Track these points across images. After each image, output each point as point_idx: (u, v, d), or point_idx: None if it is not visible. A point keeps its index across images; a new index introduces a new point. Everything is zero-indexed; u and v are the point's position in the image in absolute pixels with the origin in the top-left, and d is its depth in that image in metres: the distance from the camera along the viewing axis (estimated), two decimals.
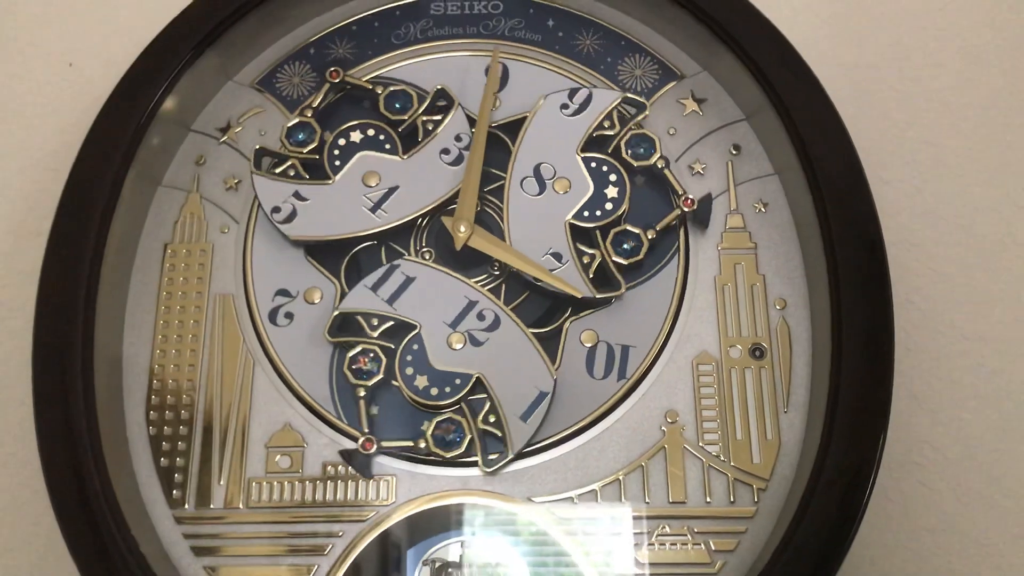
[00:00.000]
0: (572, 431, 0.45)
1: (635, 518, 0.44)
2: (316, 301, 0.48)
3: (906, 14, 0.59)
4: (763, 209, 0.50)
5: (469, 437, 0.45)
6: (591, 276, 0.48)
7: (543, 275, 0.47)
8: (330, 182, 0.50)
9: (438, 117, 0.51)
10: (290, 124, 0.51)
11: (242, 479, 0.45)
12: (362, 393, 0.46)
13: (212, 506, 0.45)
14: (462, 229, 0.48)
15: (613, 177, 0.49)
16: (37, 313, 0.46)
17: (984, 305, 0.53)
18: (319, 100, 0.52)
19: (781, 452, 0.45)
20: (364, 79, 0.53)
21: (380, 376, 0.46)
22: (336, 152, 0.50)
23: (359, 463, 0.45)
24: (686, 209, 0.48)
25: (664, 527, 0.44)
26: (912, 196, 0.55)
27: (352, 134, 0.51)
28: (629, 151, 0.50)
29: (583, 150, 0.50)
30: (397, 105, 0.51)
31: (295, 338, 0.48)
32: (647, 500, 0.44)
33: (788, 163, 0.49)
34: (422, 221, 0.50)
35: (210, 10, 0.52)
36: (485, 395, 0.46)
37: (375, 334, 0.47)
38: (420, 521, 0.44)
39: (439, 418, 0.46)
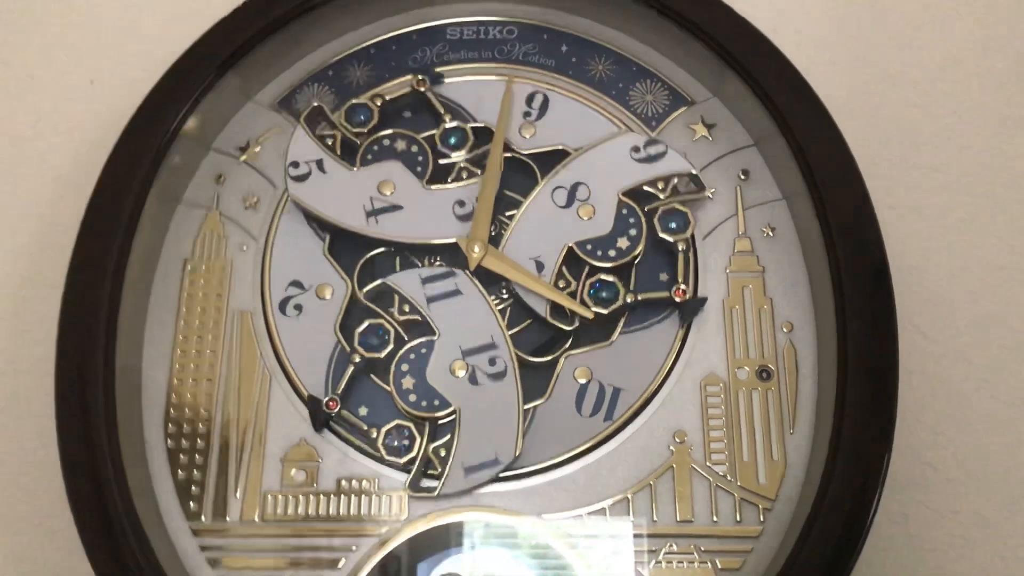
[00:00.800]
0: (581, 450, 0.46)
1: (643, 536, 0.45)
2: (327, 297, 0.49)
3: (912, 41, 0.60)
4: (771, 233, 0.51)
5: (414, 454, 0.46)
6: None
7: (554, 295, 0.48)
8: (352, 169, 0.51)
9: (477, 171, 0.52)
10: (355, 102, 0.53)
11: (258, 492, 0.46)
12: (357, 359, 0.47)
13: (228, 519, 0.46)
14: (476, 249, 0.49)
15: (633, 232, 0.50)
16: (60, 328, 0.47)
17: (987, 329, 0.54)
18: (394, 95, 0.53)
19: (787, 473, 0.46)
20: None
21: (380, 356, 0.47)
22: (375, 148, 0.52)
23: (317, 416, 0.47)
24: (676, 299, 0.48)
25: (671, 545, 0.45)
26: (917, 222, 0.56)
27: (398, 142, 0.52)
28: (661, 220, 0.50)
29: (625, 194, 0.50)
30: (452, 141, 0.52)
31: (301, 331, 0.49)
32: (655, 518, 0.45)
33: (796, 189, 0.50)
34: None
35: (231, 32, 0.53)
36: (451, 430, 0.46)
37: (400, 317, 0.48)
38: (431, 537, 0.45)
39: (400, 423, 0.47)
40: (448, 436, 0.47)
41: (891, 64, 0.60)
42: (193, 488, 0.46)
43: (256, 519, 0.46)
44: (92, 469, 0.44)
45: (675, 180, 0.51)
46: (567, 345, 0.48)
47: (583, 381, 0.48)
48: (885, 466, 0.44)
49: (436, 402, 0.47)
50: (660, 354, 0.48)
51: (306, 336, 0.49)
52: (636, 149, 0.51)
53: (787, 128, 0.50)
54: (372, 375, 0.48)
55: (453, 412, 0.47)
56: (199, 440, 0.47)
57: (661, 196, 0.51)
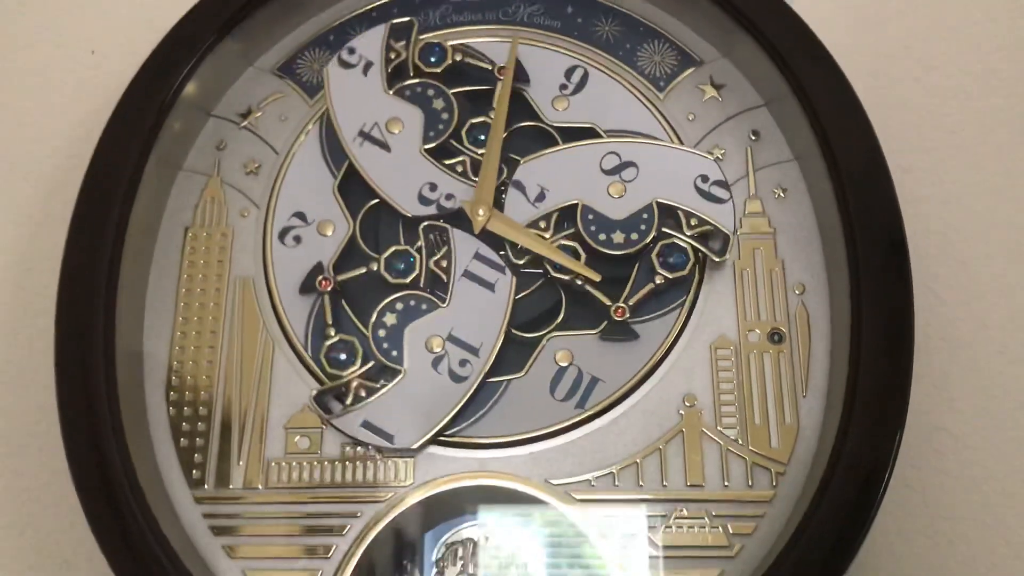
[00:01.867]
0: (590, 414, 0.46)
1: (652, 501, 0.44)
2: (328, 234, 0.49)
3: (923, 3, 0.59)
4: (782, 195, 0.50)
5: (350, 379, 0.46)
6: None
7: (559, 257, 0.47)
8: (387, 93, 0.50)
9: (474, 178, 0.50)
10: (437, 42, 0.52)
11: (261, 460, 0.46)
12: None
13: (231, 486, 0.45)
14: (480, 212, 0.48)
15: (634, 236, 0.48)
16: (59, 297, 0.46)
17: (1004, 293, 0.52)
18: (472, 61, 0.52)
19: (799, 437, 0.45)
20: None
21: (406, 281, 0.48)
22: (417, 88, 0.51)
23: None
24: (616, 317, 0.47)
25: (682, 510, 0.44)
26: (932, 184, 0.55)
27: (438, 99, 0.50)
28: (661, 254, 0.48)
29: (659, 202, 0.48)
30: (479, 136, 0.51)
31: (295, 261, 0.49)
32: (665, 483, 0.44)
33: (808, 149, 0.49)
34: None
35: None
36: (385, 381, 0.46)
37: (429, 263, 0.48)
38: (437, 502, 0.45)
39: (344, 337, 0.47)
40: (379, 385, 0.46)
41: (906, 23, 0.58)
42: (196, 456, 0.46)
43: (260, 487, 0.45)
44: (93, 437, 0.44)
45: (709, 227, 0.48)
46: (553, 325, 0.48)
47: (564, 364, 0.47)
48: (900, 430, 0.43)
49: (395, 353, 0.46)
50: (648, 350, 0.47)
51: (299, 271, 0.48)
52: (704, 179, 0.49)
53: (799, 88, 0.49)
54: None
55: (399, 372, 0.46)
56: (201, 407, 0.47)
57: (685, 231, 0.48)
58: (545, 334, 0.47)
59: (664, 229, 0.48)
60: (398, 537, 0.44)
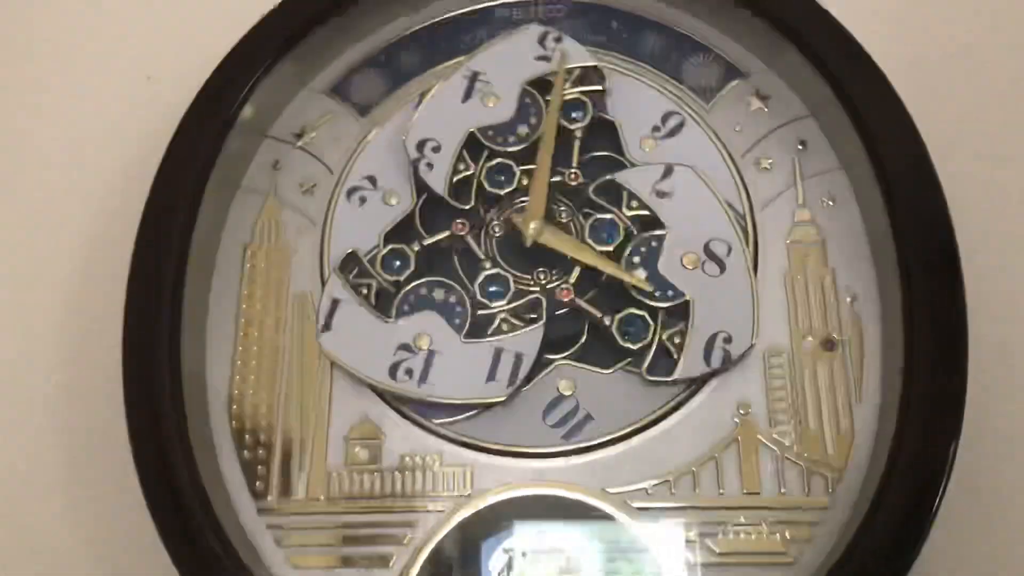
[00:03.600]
0: (645, 423, 0.46)
1: (709, 508, 0.44)
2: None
3: (972, 6, 0.59)
4: (831, 203, 0.50)
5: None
6: None
7: (609, 267, 0.48)
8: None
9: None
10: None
11: (323, 471, 0.47)
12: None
13: (294, 497, 0.46)
14: (532, 226, 0.49)
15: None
16: (126, 316, 0.48)
17: None
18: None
19: (855, 443, 0.45)
20: None
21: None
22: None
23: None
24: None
25: (739, 517, 0.44)
26: (981, 189, 0.54)
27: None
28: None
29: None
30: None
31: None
32: (721, 491, 0.45)
33: (855, 158, 0.49)
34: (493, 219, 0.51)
35: (286, 20, 0.54)
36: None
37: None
38: (494, 512, 0.45)
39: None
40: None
41: (952, 29, 0.58)
42: (259, 467, 0.47)
43: (321, 497, 0.46)
44: (161, 453, 0.45)
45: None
46: (573, 349, 0.48)
47: (566, 393, 0.47)
48: (956, 438, 0.43)
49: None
50: (650, 404, 0.47)
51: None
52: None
53: (845, 97, 0.49)
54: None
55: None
56: (263, 420, 0.48)
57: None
58: (561, 357, 0.48)
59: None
60: (457, 546, 0.45)
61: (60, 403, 0.54)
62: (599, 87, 0.52)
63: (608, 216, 0.50)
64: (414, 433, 0.47)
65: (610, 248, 0.49)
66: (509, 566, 0.44)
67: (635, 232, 0.50)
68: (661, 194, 0.50)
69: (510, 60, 0.53)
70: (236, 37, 0.54)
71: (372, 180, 0.52)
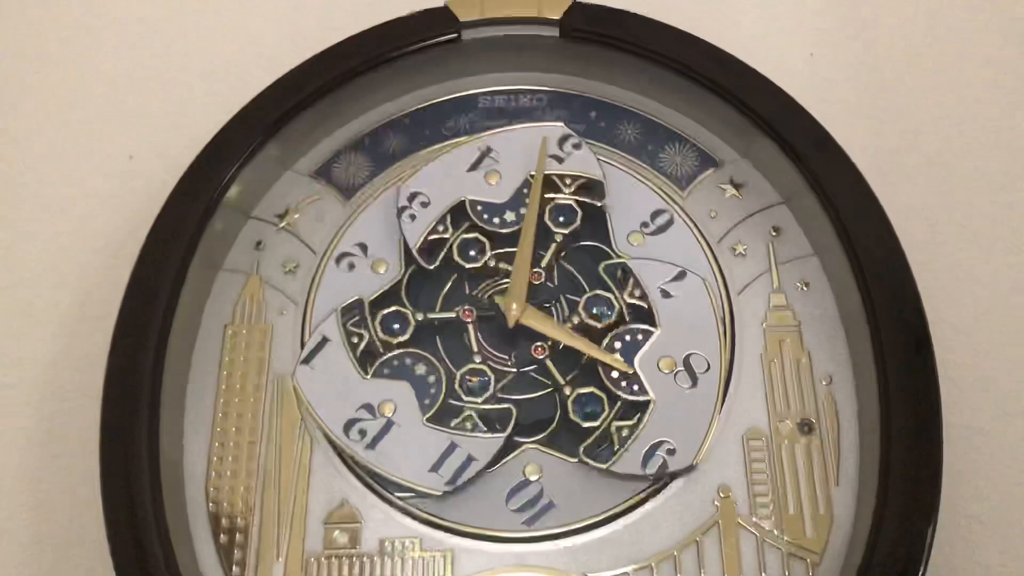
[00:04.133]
0: (626, 507, 0.46)
1: None
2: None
3: (935, 95, 0.62)
4: (805, 288, 0.51)
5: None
6: None
7: (595, 353, 0.49)
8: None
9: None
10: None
11: (301, 556, 0.46)
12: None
13: None
14: (514, 307, 0.49)
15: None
16: (104, 400, 0.47)
17: (1021, 379, 0.54)
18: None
19: (834, 526, 0.45)
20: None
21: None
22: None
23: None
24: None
25: None
26: (950, 278, 0.56)
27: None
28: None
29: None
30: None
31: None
32: (703, 575, 0.45)
33: (828, 244, 0.51)
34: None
35: (271, 105, 0.55)
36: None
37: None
38: None
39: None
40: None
41: (917, 119, 0.61)
42: (236, 552, 0.46)
43: None
44: (137, 537, 0.44)
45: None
46: (540, 435, 0.48)
47: (533, 478, 0.47)
48: (934, 519, 0.43)
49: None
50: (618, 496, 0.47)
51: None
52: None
53: (816, 185, 0.51)
54: None
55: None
56: (241, 503, 0.47)
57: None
58: (527, 443, 0.48)
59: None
60: None
61: (34, 488, 0.53)
62: (597, 202, 0.53)
63: (608, 295, 0.51)
64: (393, 516, 0.47)
65: (599, 324, 0.50)
66: None
67: (627, 319, 0.50)
68: (666, 294, 0.50)
69: (524, 148, 0.54)
70: (220, 119, 0.55)
71: (363, 248, 0.53)
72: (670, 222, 0.53)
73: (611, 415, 0.48)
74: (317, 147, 0.57)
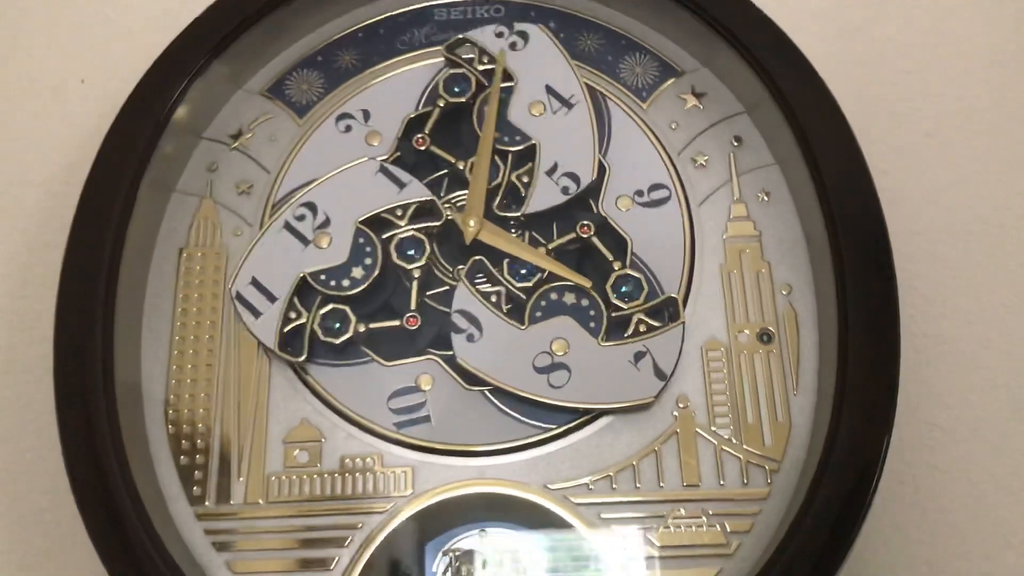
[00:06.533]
0: (586, 419, 0.46)
1: (650, 502, 0.45)
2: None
3: (902, 7, 0.60)
4: (766, 198, 0.51)
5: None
6: None
7: (551, 265, 0.48)
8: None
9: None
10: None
11: (262, 475, 0.46)
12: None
13: (232, 502, 0.46)
14: (472, 223, 0.49)
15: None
16: (57, 323, 0.47)
17: (987, 289, 0.54)
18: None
19: (792, 434, 0.46)
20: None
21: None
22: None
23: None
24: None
25: (679, 510, 0.44)
26: (912, 185, 0.56)
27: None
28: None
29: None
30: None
31: None
32: (661, 484, 0.45)
33: (789, 154, 0.50)
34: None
35: (218, 21, 0.53)
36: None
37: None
38: (436, 512, 0.45)
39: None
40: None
41: (883, 30, 0.60)
42: (196, 473, 0.46)
43: (260, 501, 0.46)
44: (94, 458, 0.44)
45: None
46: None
47: (425, 388, 0.47)
48: (890, 426, 0.44)
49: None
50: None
51: None
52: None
53: (779, 94, 0.50)
54: None
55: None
56: (200, 424, 0.47)
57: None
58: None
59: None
60: (399, 547, 0.45)
61: None
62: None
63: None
64: (354, 434, 0.47)
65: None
66: (451, 566, 0.44)
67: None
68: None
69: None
70: (173, 36, 0.53)
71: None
72: (667, 199, 0.51)
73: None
74: (268, 65, 0.55)
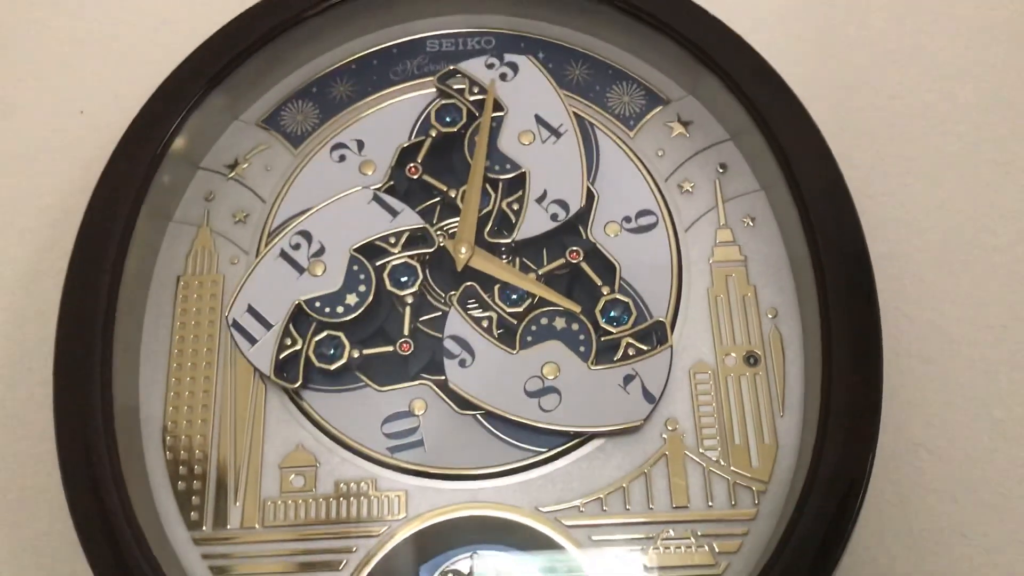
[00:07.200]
0: (576, 442, 0.47)
1: (640, 524, 0.45)
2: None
3: (881, 35, 0.62)
4: (751, 223, 0.52)
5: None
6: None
7: (543, 292, 0.49)
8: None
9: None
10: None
11: (258, 499, 0.47)
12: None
13: (229, 527, 0.46)
14: (463, 250, 0.50)
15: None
16: (57, 350, 0.47)
17: (969, 309, 0.55)
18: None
19: (779, 455, 0.47)
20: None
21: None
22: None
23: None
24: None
25: (668, 531, 0.45)
26: (894, 208, 0.57)
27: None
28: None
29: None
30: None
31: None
32: (651, 506, 0.46)
33: (773, 179, 0.51)
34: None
35: (215, 54, 0.54)
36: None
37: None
38: (430, 535, 0.46)
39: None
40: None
41: (862, 56, 0.61)
42: (194, 498, 0.47)
43: (257, 526, 0.46)
44: (93, 483, 0.45)
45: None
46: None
47: (417, 413, 0.48)
48: (874, 445, 0.45)
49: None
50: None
51: None
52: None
53: (762, 122, 0.51)
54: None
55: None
56: (197, 451, 0.48)
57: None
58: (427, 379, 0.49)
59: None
60: (394, 570, 0.45)
61: None
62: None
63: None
64: (349, 459, 0.47)
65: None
66: None
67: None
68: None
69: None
70: (170, 68, 0.54)
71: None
72: (654, 224, 0.52)
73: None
74: (264, 96, 0.56)
